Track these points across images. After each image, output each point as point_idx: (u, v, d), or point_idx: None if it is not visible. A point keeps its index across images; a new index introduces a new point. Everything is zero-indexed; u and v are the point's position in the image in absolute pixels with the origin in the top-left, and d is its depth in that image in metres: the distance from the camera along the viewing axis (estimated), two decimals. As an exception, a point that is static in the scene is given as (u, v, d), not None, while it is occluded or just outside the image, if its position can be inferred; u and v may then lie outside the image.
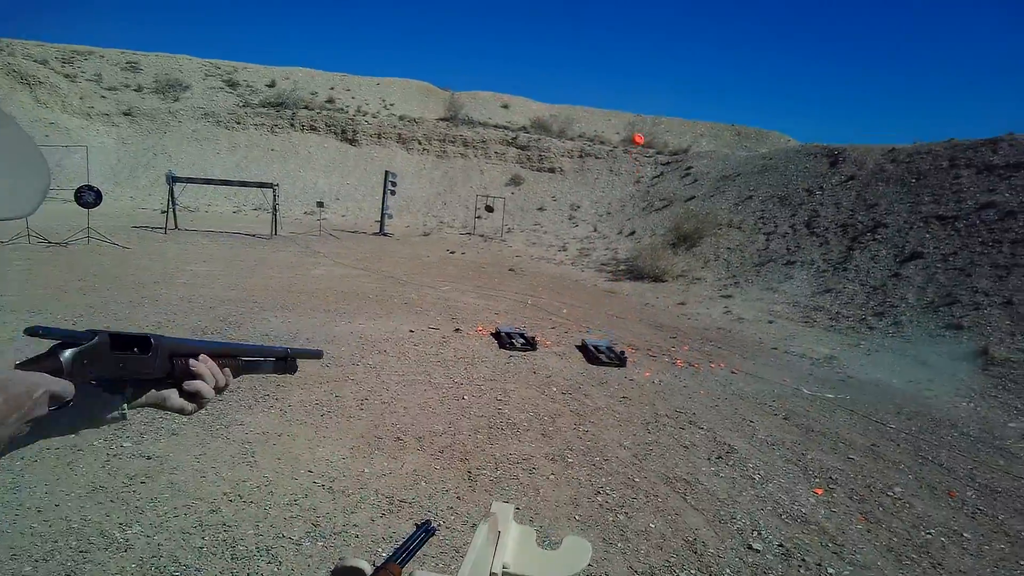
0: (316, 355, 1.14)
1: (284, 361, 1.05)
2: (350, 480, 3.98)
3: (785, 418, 6.24)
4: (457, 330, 8.20)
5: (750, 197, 18.74)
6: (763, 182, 19.28)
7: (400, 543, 1.37)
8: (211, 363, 0.93)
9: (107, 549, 3.00)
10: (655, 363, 7.78)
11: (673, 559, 3.52)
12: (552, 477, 4.35)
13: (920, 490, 4.81)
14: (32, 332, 0.75)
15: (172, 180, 17.04)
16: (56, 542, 3.00)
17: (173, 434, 4.35)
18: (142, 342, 0.82)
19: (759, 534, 3.85)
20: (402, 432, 4.81)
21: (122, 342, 0.80)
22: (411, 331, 7.91)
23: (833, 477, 4.86)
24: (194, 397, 0.90)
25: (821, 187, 17.28)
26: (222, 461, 4.04)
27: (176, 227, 16.92)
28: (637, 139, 22.01)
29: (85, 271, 9.77)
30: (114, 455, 3.95)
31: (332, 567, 1.49)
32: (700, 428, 5.65)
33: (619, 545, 3.60)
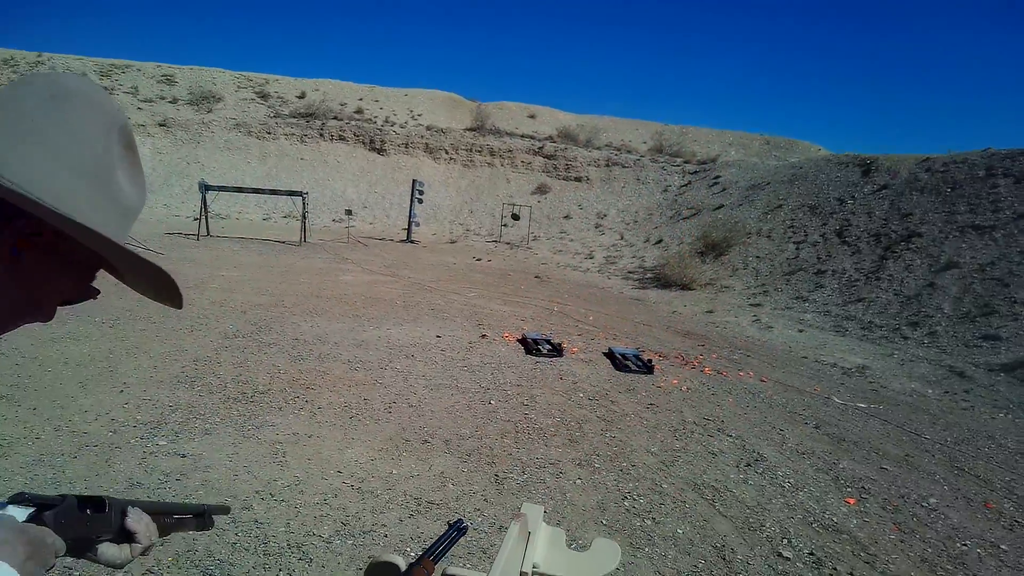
0: (225, 511, 1.23)
1: (202, 517, 1.15)
2: (378, 481, 4.02)
3: (816, 427, 6.15)
4: (483, 336, 8.24)
5: (779, 206, 18.53)
6: (793, 191, 19.06)
7: (433, 541, 1.40)
8: (145, 516, 0.99)
9: (144, 542, 3.07)
10: (683, 371, 7.72)
11: (701, 564, 3.49)
12: (579, 482, 4.34)
13: (956, 501, 4.70)
14: (17, 499, 0.83)
15: (205, 188, 17.39)
16: (96, 535, 3.08)
17: (206, 434, 4.44)
18: (97, 503, 0.92)
19: (789, 542, 3.80)
20: (429, 435, 4.85)
21: (84, 503, 0.90)
22: (438, 336, 7.97)
23: (866, 487, 4.78)
24: (131, 538, 0.96)
25: (853, 196, 17.02)
26: (254, 460, 4.11)
27: (208, 234, 17.27)
28: None
29: (122, 276, 10.00)
30: (150, 452, 4.05)
31: (367, 562, 1.53)
32: (728, 435, 5.59)
33: (646, 550, 3.58)
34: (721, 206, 20.80)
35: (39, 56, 32.32)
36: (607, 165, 27.83)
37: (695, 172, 25.51)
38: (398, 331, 8.09)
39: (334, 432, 4.73)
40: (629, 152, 29.51)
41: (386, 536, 3.39)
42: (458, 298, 11.21)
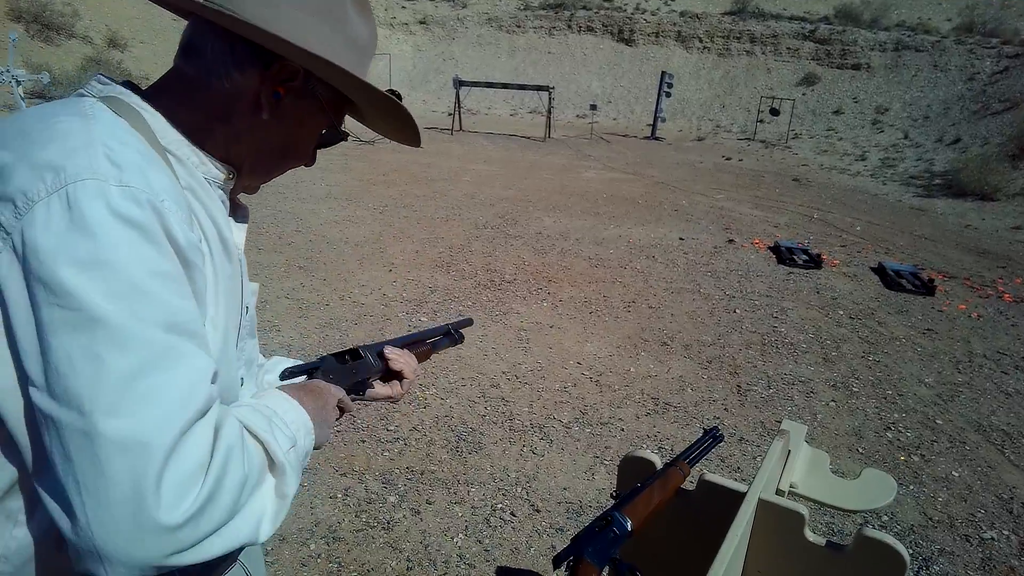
0: (468, 323, 1.38)
1: (451, 335, 1.28)
2: (616, 377, 4.05)
3: None
4: (731, 241, 7.73)
5: None
6: None
7: (688, 445, 1.33)
8: (402, 351, 1.12)
9: (411, 404, 3.47)
10: (974, 295, 6.53)
11: (980, 514, 3.04)
12: (832, 404, 3.97)
13: None
14: (286, 375, 0.97)
15: (458, 84, 18.27)
16: (373, 392, 3.55)
17: (460, 316, 4.82)
18: (352, 352, 1.05)
19: (1111, 514, 3.10)
20: (669, 338, 4.74)
21: (342, 356, 1.03)
22: (681, 239, 7.66)
23: None
24: (398, 376, 1.10)
25: None
26: (501, 344, 4.39)
27: (460, 129, 18.31)
28: None
29: (388, 167, 11.08)
30: (415, 327, 4.51)
31: (624, 455, 1.49)
32: (1031, 376, 4.66)
33: (911, 488, 3.20)
34: (1049, 97, 16.62)
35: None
36: (895, 49, 23.56)
37: (1016, 55, 20.50)
38: (639, 231, 7.93)
39: (574, 325, 4.84)
40: (927, 33, 24.54)
41: (623, 431, 3.43)
42: (704, 200, 10.61)
